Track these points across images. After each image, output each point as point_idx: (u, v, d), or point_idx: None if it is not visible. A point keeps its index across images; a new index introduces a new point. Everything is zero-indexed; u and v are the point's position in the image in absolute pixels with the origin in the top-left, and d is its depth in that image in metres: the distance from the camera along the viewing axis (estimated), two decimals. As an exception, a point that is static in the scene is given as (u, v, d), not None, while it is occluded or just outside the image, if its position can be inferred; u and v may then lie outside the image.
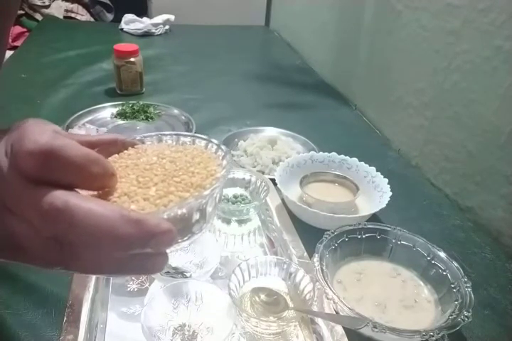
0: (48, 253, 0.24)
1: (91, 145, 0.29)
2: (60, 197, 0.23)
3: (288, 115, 1.09)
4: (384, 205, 0.67)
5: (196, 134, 0.35)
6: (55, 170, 0.24)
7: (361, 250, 0.61)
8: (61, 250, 0.24)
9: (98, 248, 0.24)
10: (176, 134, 0.35)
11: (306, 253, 0.59)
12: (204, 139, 0.34)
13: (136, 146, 0.33)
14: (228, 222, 0.69)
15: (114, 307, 0.53)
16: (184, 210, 0.27)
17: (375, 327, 0.46)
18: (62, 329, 0.47)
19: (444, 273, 0.55)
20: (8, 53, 1.33)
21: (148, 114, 1.03)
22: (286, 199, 0.71)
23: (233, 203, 0.69)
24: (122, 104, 1.05)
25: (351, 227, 0.60)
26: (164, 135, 0.35)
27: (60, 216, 0.23)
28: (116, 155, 0.32)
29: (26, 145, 0.23)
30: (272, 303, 0.52)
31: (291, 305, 0.53)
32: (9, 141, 0.25)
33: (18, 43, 1.66)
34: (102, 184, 0.26)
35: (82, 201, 0.23)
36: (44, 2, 1.85)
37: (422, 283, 0.57)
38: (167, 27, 1.65)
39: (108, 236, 0.23)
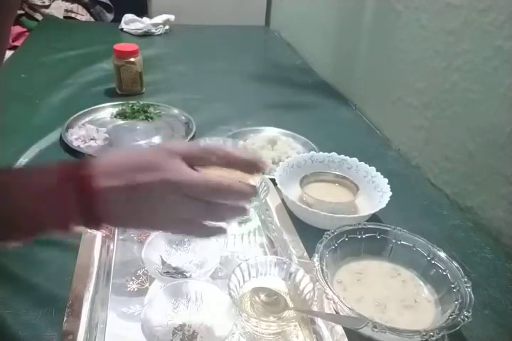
0: (198, 213, 0.39)
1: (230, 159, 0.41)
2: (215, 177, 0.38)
3: (288, 115, 1.09)
4: (384, 205, 0.67)
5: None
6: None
7: (361, 250, 0.61)
8: (207, 209, 0.39)
9: (232, 200, 0.40)
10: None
11: (306, 253, 0.59)
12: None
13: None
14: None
15: (114, 307, 0.53)
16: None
17: (375, 327, 0.46)
18: (62, 329, 0.47)
19: (444, 273, 0.55)
20: (8, 53, 1.33)
21: (148, 114, 1.03)
22: (286, 199, 0.71)
23: (233, 203, 0.69)
24: (122, 104, 1.05)
25: (351, 227, 0.60)
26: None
27: (219, 187, 0.38)
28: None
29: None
30: (272, 303, 0.52)
31: (291, 305, 0.53)
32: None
33: (18, 43, 1.66)
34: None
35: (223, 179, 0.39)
36: (44, 2, 1.85)
37: (422, 283, 0.57)
38: (167, 27, 1.65)
39: (240, 194, 0.39)
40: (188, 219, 0.40)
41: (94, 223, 0.38)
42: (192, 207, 0.38)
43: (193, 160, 0.39)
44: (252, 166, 0.40)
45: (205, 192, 0.38)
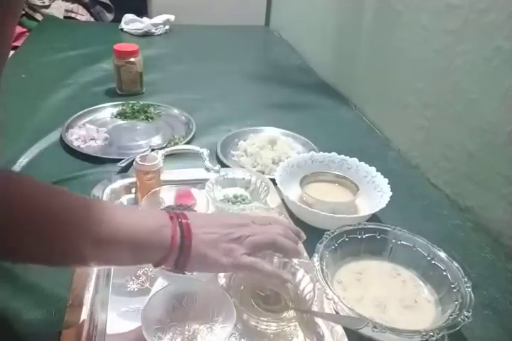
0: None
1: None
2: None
3: (288, 115, 1.09)
4: (384, 205, 0.67)
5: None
6: None
7: (361, 250, 0.61)
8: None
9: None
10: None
11: (306, 253, 0.59)
12: None
13: None
14: (228, 222, 0.68)
15: (114, 307, 0.53)
16: None
17: (375, 327, 0.46)
18: (62, 329, 0.47)
19: (444, 273, 0.55)
20: (8, 53, 1.33)
21: (148, 114, 1.03)
22: (286, 200, 0.71)
23: (233, 203, 0.69)
24: (122, 104, 1.05)
25: (351, 227, 0.60)
26: None
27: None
28: None
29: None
30: (272, 303, 0.52)
31: (291, 305, 0.53)
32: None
33: (18, 43, 1.66)
34: None
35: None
36: (44, 2, 1.85)
37: (422, 283, 0.57)
38: (167, 27, 1.65)
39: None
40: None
41: (182, 263, 0.45)
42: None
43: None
44: (297, 234, 0.53)
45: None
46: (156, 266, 0.45)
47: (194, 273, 0.54)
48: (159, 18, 1.63)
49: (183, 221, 0.45)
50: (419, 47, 0.88)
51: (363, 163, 0.77)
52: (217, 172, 0.75)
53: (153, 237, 0.44)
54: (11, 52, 1.35)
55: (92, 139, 0.91)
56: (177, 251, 0.44)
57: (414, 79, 0.91)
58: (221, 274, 0.58)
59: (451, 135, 0.81)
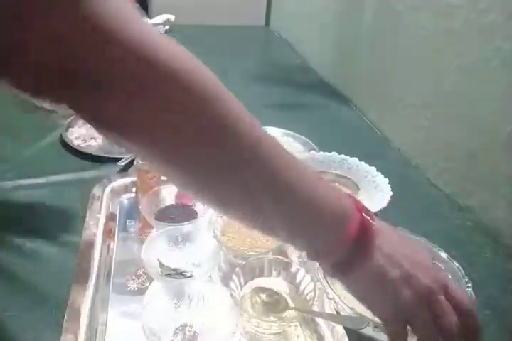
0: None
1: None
2: None
3: (288, 115, 1.09)
4: (384, 205, 0.66)
5: None
6: None
7: (362, 250, 0.60)
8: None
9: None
10: None
11: (306, 253, 0.59)
12: None
13: None
14: (228, 221, 0.68)
15: (114, 307, 0.53)
16: None
17: (375, 326, 0.46)
18: (62, 329, 0.47)
19: (445, 273, 0.55)
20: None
21: (148, 114, 1.03)
22: (286, 199, 0.71)
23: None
24: (122, 104, 1.05)
25: (352, 227, 0.60)
26: None
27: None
28: None
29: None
30: (272, 303, 0.52)
31: (291, 305, 0.53)
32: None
33: (17, 43, 1.65)
34: None
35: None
36: (44, 2, 1.85)
37: (422, 283, 0.57)
38: (167, 27, 1.65)
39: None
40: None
41: (340, 269, 0.36)
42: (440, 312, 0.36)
43: None
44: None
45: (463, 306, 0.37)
46: (311, 256, 0.36)
47: (193, 274, 0.54)
48: (159, 18, 1.63)
49: (370, 221, 0.35)
50: (419, 47, 0.89)
51: (363, 162, 0.77)
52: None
53: (331, 210, 0.34)
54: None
55: (92, 138, 0.90)
56: (351, 245, 0.34)
57: (414, 79, 0.91)
58: (220, 274, 0.58)
59: (451, 135, 0.81)
